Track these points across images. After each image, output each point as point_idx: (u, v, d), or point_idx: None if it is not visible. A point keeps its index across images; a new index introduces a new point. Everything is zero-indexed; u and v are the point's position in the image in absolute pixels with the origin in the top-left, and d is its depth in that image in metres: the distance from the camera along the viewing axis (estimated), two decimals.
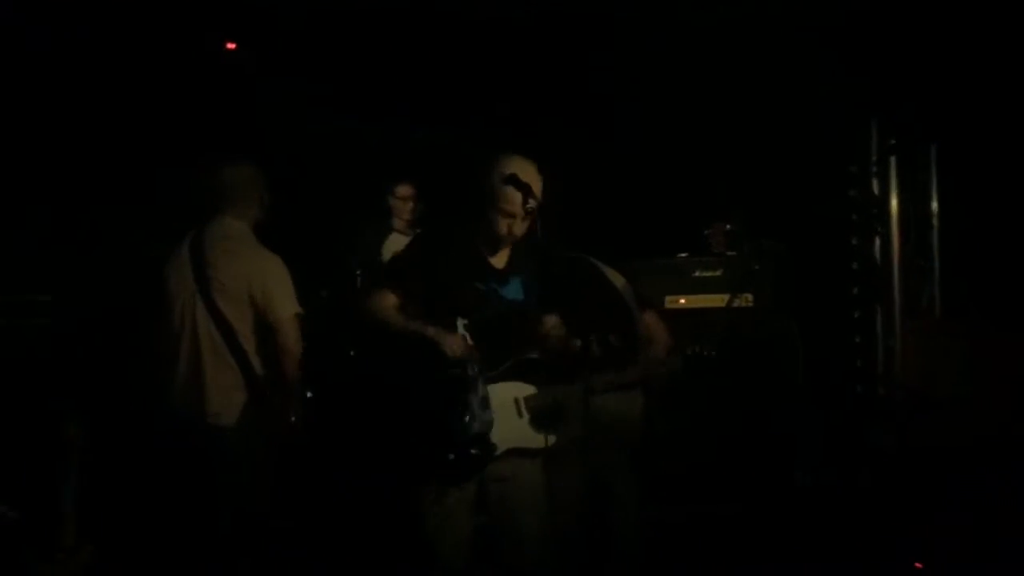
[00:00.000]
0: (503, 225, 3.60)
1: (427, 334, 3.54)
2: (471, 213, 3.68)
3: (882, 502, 5.11)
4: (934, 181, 5.81)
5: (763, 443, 5.57)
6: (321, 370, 5.01)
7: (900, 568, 4.58)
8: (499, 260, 3.74)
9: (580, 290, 4.12)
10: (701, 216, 6.60)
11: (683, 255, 6.24)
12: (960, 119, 5.51)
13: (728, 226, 6.37)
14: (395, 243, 5.79)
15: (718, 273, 5.98)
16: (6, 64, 5.78)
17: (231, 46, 6.42)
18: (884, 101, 5.76)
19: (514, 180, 3.51)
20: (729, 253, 6.24)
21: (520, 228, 3.62)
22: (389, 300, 3.63)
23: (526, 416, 3.64)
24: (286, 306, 4.00)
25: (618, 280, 4.40)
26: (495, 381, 3.59)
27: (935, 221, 5.84)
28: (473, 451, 3.52)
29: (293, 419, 4.08)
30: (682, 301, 5.94)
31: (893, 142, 5.78)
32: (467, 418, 3.51)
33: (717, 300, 5.81)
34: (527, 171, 3.56)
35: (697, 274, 5.99)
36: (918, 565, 4.53)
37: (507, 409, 3.61)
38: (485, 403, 3.54)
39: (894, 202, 5.79)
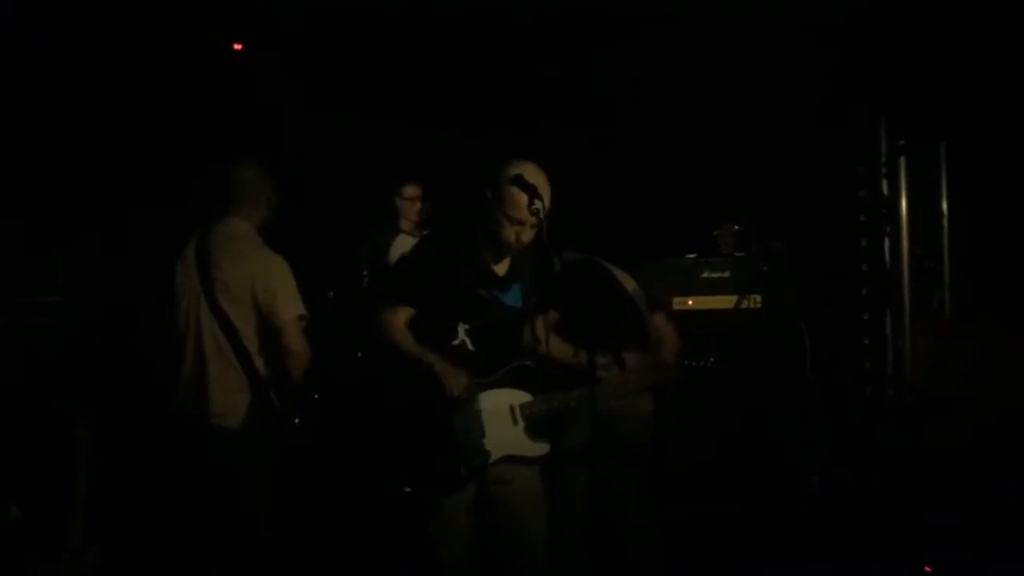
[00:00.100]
0: (510, 232, 3.58)
1: (427, 361, 3.53)
2: (477, 218, 3.66)
3: (892, 503, 5.09)
4: (944, 181, 5.79)
5: (773, 445, 5.55)
6: (327, 371, 4.99)
7: (910, 569, 4.55)
8: (501, 267, 3.73)
9: (591, 293, 4.10)
10: (709, 217, 6.56)
11: (691, 256, 6.21)
12: (969, 119, 5.48)
13: (736, 227, 6.33)
14: (402, 244, 5.77)
15: (726, 274, 5.94)
16: (11, 64, 5.79)
17: (238, 47, 6.42)
18: (893, 101, 5.74)
19: (521, 184, 3.47)
20: (737, 254, 6.21)
21: (528, 235, 3.58)
22: (395, 315, 3.61)
23: (521, 424, 3.62)
24: (289, 307, 3.99)
25: (628, 283, 4.38)
26: (489, 388, 3.59)
27: (945, 222, 5.81)
28: (468, 460, 3.53)
29: (297, 420, 4.07)
30: (690, 302, 5.90)
31: (902, 142, 5.76)
32: (462, 432, 3.52)
33: (725, 301, 5.78)
34: (535, 177, 3.52)
35: (705, 275, 5.95)
36: (927, 569, 4.51)
37: (502, 416, 3.60)
38: (479, 416, 3.53)
39: (903, 203, 5.77)
